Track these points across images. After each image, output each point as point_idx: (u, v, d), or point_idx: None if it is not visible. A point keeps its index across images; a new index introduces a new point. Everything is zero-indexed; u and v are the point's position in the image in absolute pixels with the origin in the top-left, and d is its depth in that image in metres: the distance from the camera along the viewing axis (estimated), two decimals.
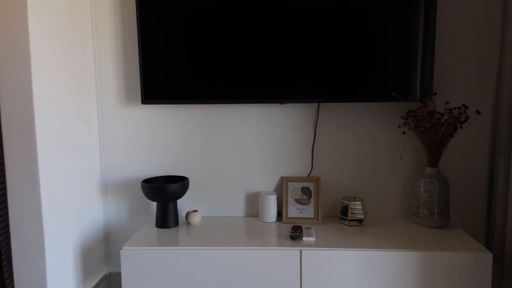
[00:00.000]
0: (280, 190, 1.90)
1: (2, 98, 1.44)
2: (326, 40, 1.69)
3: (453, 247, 1.51)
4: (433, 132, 1.64)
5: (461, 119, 1.61)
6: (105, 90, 1.89)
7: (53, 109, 1.55)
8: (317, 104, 1.84)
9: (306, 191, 1.86)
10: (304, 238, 1.60)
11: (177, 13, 1.72)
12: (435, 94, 1.65)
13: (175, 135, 1.90)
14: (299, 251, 1.52)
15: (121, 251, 1.56)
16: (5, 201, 1.52)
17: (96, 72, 1.88)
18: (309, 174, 1.89)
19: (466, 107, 1.60)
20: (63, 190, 1.61)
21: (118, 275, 1.96)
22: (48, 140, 1.52)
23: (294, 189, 1.86)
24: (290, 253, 1.52)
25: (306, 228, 1.71)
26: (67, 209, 1.64)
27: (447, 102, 1.64)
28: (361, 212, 1.75)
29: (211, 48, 1.73)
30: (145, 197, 1.93)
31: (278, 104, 1.85)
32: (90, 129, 1.84)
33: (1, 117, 1.46)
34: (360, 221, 1.76)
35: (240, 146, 1.89)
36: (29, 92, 1.43)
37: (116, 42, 1.86)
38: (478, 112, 1.57)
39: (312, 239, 1.60)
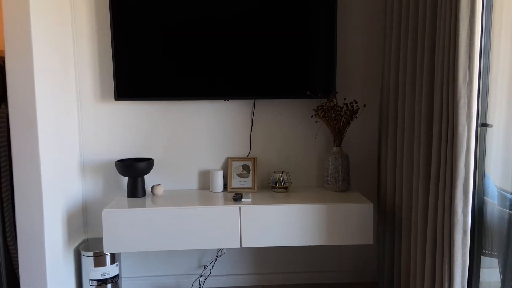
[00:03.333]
0: (226, 167, 2.44)
1: (10, 98, 1.87)
2: (260, 52, 2.26)
3: (348, 202, 2.13)
4: (336, 121, 2.26)
5: (354, 111, 2.24)
6: (83, 89, 2.34)
7: (47, 106, 1.99)
8: (253, 100, 2.40)
9: (246, 167, 2.41)
10: (243, 199, 2.16)
11: (143, 26, 2.22)
12: (336, 93, 2.27)
13: (142, 125, 2.38)
14: (239, 207, 2.08)
15: (103, 212, 2.03)
16: (11, 176, 1.95)
17: (76, 74, 2.32)
18: (248, 154, 2.45)
19: (356, 102, 2.24)
20: (53, 169, 2.05)
21: (94, 239, 2.41)
22: (45, 131, 1.96)
23: (236, 166, 2.41)
24: (232, 208, 2.07)
25: (245, 194, 2.26)
26: (56, 184, 2.08)
27: (345, 99, 2.27)
28: (287, 181, 2.34)
29: (172, 56, 2.24)
30: (116, 175, 2.39)
31: (223, 100, 2.39)
32: (71, 120, 2.28)
33: (9, 113, 1.88)
34: (286, 188, 2.34)
35: (194, 134, 2.41)
36: (32, 92, 1.87)
37: (92, 48, 2.31)
38: (364, 106, 2.21)
39: (249, 200, 2.16)
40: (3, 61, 1.94)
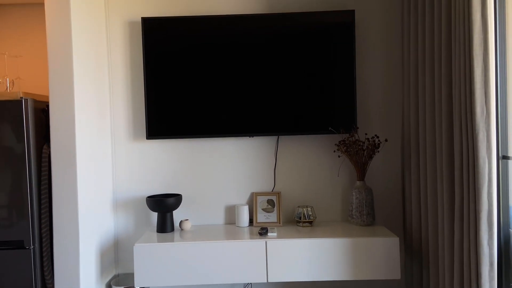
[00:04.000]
0: (251, 202, 2.51)
1: (52, 139, 2.03)
2: (283, 92, 2.37)
3: (374, 236, 2.14)
4: (358, 155, 2.31)
5: (376, 145, 2.29)
6: (118, 130, 2.49)
7: (86, 146, 2.14)
8: (277, 136, 2.49)
9: (270, 202, 2.47)
10: (269, 234, 2.20)
11: (172, 70, 2.38)
12: (357, 128, 2.34)
13: (171, 162, 2.50)
14: (265, 242, 2.12)
15: (134, 246, 2.11)
16: (50, 213, 2.07)
17: (111, 116, 2.49)
18: (273, 189, 2.52)
19: (378, 136, 2.29)
20: (89, 206, 2.17)
21: (125, 275, 2.48)
22: (83, 170, 2.10)
23: (261, 201, 2.48)
24: (258, 243, 2.12)
25: (270, 228, 2.31)
26: (91, 220, 2.19)
27: (366, 134, 2.33)
28: (311, 216, 2.38)
29: (199, 96, 2.38)
30: (146, 211, 2.49)
31: (248, 137, 2.49)
32: (106, 160, 2.42)
33: (51, 153, 2.03)
34: (310, 222, 2.38)
35: (220, 170, 2.51)
36: (72, 133, 2.02)
37: (126, 91, 2.49)
38: (386, 140, 2.27)
39: (275, 234, 2.20)
40: (47, 105, 2.12)
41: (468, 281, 1.67)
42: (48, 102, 2.04)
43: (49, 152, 2.07)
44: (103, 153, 2.39)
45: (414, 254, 2.24)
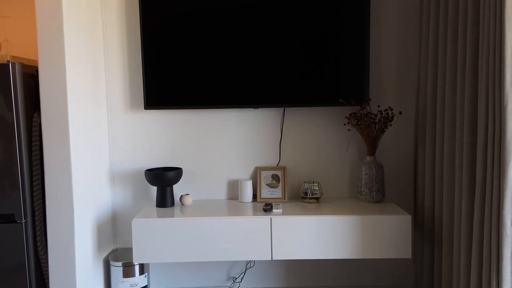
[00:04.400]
0: (255, 177, 2.39)
1: (43, 107, 1.88)
2: (289, 61, 2.21)
3: (384, 213, 2.03)
4: (370, 129, 2.17)
5: (389, 118, 2.15)
6: (114, 98, 2.35)
7: (79, 115, 2.00)
8: (283, 108, 2.35)
9: (275, 177, 2.35)
10: (273, 210, 2.09)
11: (172, 35, 2.21)
12: (370, 100, 2.20)
13: (171, 134, 2.37)
14: (269, 218, 2.01)
15: (132, 222, 2.01)
16: (42, 185, 1.96)
17: (107, 83, 2.34)
18: (278, 164, 2.39)
19: (391, 109, 2.15)
20: (84, 179, 2.05)
21: (123, 249, 2.39)
22: (77, 140, 1.96)
23: (266, 176, 2.36)
24: (263, 219, 2.01)
25: (275, 204, 2.20)
26: (87, 194, 2.08)
27: (379, 106, 2.18)
28: (318, 192, 2.26)
29: (200, 65, 2.22)
30: (145, 184, 2.38)
31: (252, 108, 2.35)
32: (102, 130, 2.28)
33: (42, 122, 1.90)
34: (317, 198, 2.27)
35: (223, 143, 2.38)
36: (64, 101, 1.88)
37: (123, 58, 2.33)
38: (400, 113, 2.12)
39: (280, 210, 2.09)
40: (37, 70, 1.97)
41: (488, 263, 1.57)
42: (37, 67, 1.89)
43: (40, 120, 1.93)
44: (98, 123, 2.25)
45: (425, 232, 2.13)
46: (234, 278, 2.44)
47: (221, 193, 2.41)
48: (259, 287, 2.45)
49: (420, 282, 2.25)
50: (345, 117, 2.24)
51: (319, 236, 2.01)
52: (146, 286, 2.27)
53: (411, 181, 2.38)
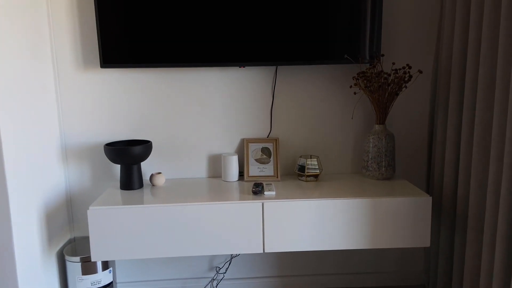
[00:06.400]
0: (241, 151, 1.99)
1: None
2: (283, 7, 1.76)
3: (397, 194, 1.68)
4: (381, 91, 1.78)
5: (406, 79, 1.76)
6: (61, 55, 1.86)
7: (9, 71, 1.52)
8: (275, 67, 1.92)
9: (265, 151, 1.96)
10: (265, 193, 1.71)
11: None
12: (383, 55, 1.79)
13: (136, 99, 1.92)
14: (261, 203, 1.63)
15: (88, 211, 1.59)
16: None
17: (51, 36, 1.84)
18: (268, 135, 1.99)
19: (410, 67, 1.75)
20: (23, 156, 1.60)
21: (82, 239, 1.98)
22: (7, 103, 1.49)
23: (254, 149, 1.96)
24: (253, 205, 1.63)
25: (266, 184, 1.82)
26: (29, 174, 1.64)
27: (393, 63, 1.79)
28: (317, 168, 1.89)
29: (171, 10, 1.75)
30: (107, 162, 1.95)
31: (238, 67, 1.91)
32: (47, 95, 1.81)
33: None
34: (316, 176, 1.89)
35: (201, 109, 1.95)
36: None
37: (71, 3, 1.82)
38: (420, 72, 1.72)
39: (273, 193, 1.71)
40: None
41: None
42: None
43: None
44: (43, 85, 1.77)
45: (443, 215, 1.81)
46: (218, 268, 2.09)
47: (201, 171, 2.00)
48: (246, 277, 2.11)
49: (433, 269, 1.95)
50: (353, 77, 1.84)
51: (320, 223, 1.65)
52: (111, 283, 1.89)
53: (424, 153, 2.02)
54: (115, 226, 1.61)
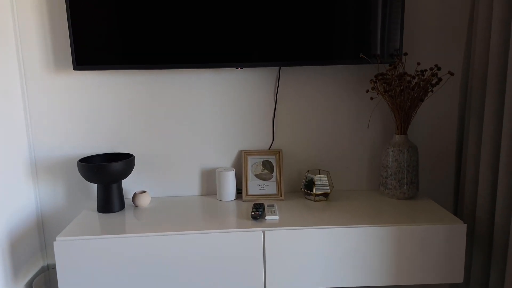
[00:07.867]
0: (239, 165, 1.72)
1: None
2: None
3: (425, 220, 1.41)
4: (403, 97, 1.51)
5: (433, 82, 1.49)
6: (28, 56, 1.59)
7: None
8: (277, 68, 1.65)
9: (267, 165, 1.69)
10: (266, 217, 1.44)
11: None
12: (405, 54, 1.52)
13: (116, 106, 1.65)
14: (261, 232, 1.36)
15: (55, 243, 1.33)
16: None
17: (17, 34, 1.57)
18: (270, 146, 1.72)
19: (439, 68, 1.47)
20: None
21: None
22: None
23: (254, 163, 1.69)
24: (252, 234, 1.36)
25: (268, 206, 1.55)
26: None
27: (418, 64, 1.51)
28: (327, 185, 1.62)
29: (159, 8, 1.48)
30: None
31: (235, 68, 1.64)
32: (12, 102, 1.55)
33: None
34: (326, 195, 1.63)
35: (193, 117, 1.68)
36: None
37: None
38: (451, 73, 1.44)
39: (276, 218, 1.44)
40: None
41: None
42: None
43: None
44: (7, 91, 1.51)
45: (477, 245, 1.54)
46: None
47: (192, 188, 1.74)
48: None
49: None
50: (370, 80, 1.56)
51: (332, 255, 1.38)
52: None
53: (450, 168, 1.75)
54: (88, 260, 1.34)
